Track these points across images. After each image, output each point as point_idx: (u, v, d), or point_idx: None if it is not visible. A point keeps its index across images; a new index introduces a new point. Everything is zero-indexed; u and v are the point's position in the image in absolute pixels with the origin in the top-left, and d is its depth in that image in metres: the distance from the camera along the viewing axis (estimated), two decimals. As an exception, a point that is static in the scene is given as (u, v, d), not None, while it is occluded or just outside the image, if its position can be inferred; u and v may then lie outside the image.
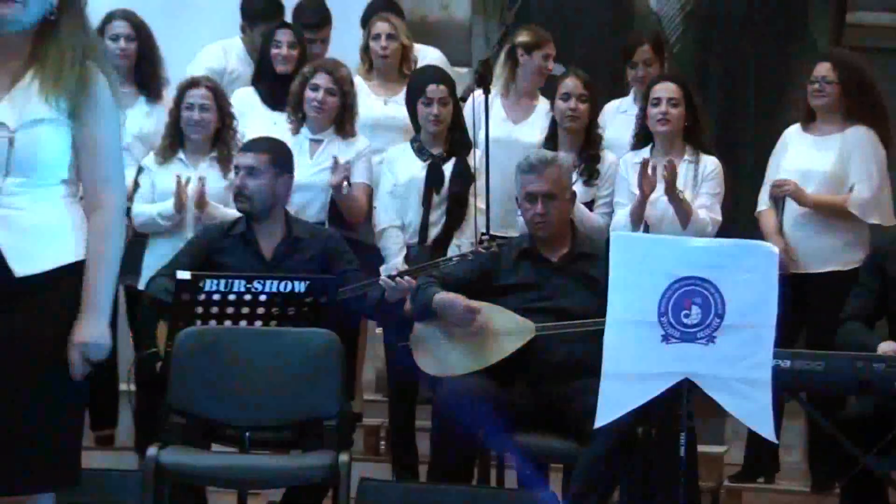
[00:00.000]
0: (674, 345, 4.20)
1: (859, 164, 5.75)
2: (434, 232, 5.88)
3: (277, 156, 5.47)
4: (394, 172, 5.93)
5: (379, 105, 6.29)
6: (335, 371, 4.90)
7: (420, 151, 5.93)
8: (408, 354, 5.29)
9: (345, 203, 5.90)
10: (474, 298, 5.18)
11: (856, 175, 5.74)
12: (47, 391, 3.30)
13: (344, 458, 4.63)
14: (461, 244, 5.76)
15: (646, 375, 4.23)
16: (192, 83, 5.93)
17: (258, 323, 5.06)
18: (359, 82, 6.25)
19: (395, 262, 5.77)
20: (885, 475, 4.91)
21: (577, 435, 4.80)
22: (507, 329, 5.08)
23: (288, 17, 6.70)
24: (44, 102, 3.31)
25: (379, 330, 6.27)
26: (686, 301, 4.19)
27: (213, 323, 5.02)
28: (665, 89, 5.77)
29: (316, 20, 6.64)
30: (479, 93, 5.77)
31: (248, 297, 5.06)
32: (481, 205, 5.74)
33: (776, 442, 4.40)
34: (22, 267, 3.28)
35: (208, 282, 5.02)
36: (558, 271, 5.21)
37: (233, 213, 5.61)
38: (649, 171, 5.57)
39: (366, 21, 6.63)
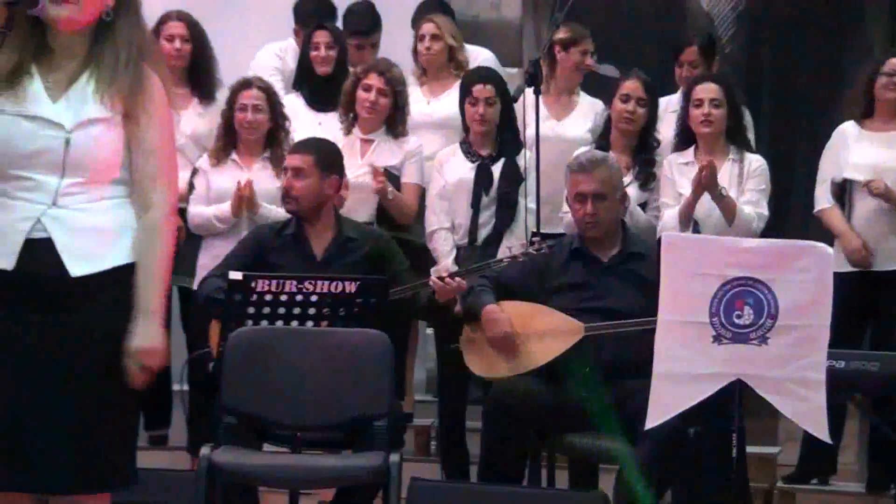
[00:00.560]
0: (725, 345, 4.18)
1: None
2: (484, 233, 5.89)
3: (324, 156, 5.47)
4: (443, 174, 5.94)
5: (422, 105, 6.30)
6: (386, 371, 4.90)
7: (469, 152, 5.93)
8: (458, 355, 5.30)
9: (392, 206, 5.91)
10: (524, 299, 5.19)
11: None
12: (103, 391, 3.31)
13: (394, 458, 4.63)
14: (511, 245, 5.76)
15: (697, 376, 4.21)
16: (245, 84, 5.96)
17: (309, 323, 5.07)
18: (412, 83, 6.26)
19: (445, 263, 5.78)
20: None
21: (629, 436, 4.79)
22: (556, 330, 5.08)
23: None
24: (99, 103, 3.32)
25: (429, 330, 6.28)
26: (738, 302, 4.17)
27: (264, 323, 5.03)
28: (707, 90, 5.74)
29: (365, 26, 6.66)
30: (529, 92, 5.77)
31: (299, 297, 5.06)
32: (531, 204, 5.74)
33: (831, 443, 4.37)
34: (77, 267, 3.29)
35: (260, 282, 5.02)
36: (609, 271, 5.19)
37: (285, 213, 5.63)
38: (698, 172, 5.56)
39: (416, 23, 6.64)
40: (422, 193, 6.03)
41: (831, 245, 5.22)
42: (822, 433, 4.16)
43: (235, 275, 5.07)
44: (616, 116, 5.91)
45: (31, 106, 3.32)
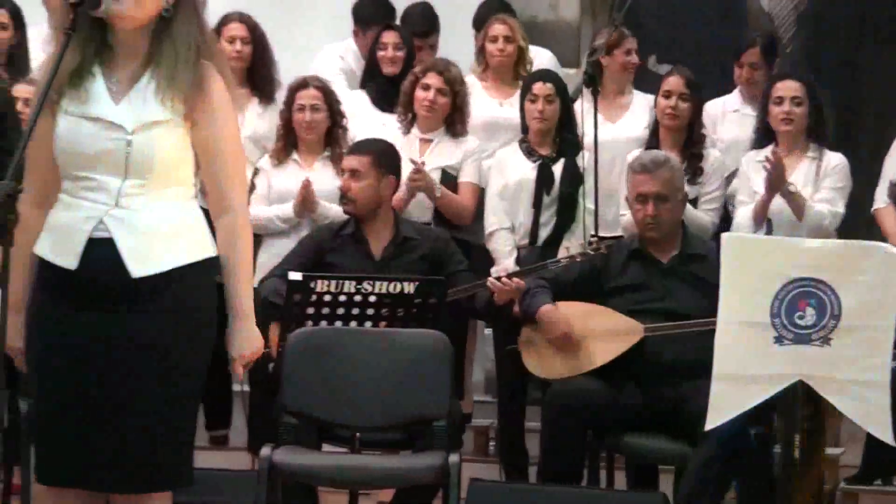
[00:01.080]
0: (787, 346, 4.16)
1: None
2: (544, 233, 5.88)
3: (381, 157, 5.48)
4: (503, 174, 5.93)
5: (494, 106, 6.28)
6: (445, 372, 4.90)
7: (529, 152, 5.93)
8: (516, 356, 5.29)
9: (442, 205, 5.90)
10: (583, 300, 5.18)
11: None
12: (165, 392, 3.33)
13: (454, 458, 4.63)
14: (570, 245, 5.74)
15: (758, 377, 4.20)
16: (302, 84, 5.97)
17: (368, 323, 5.08)
18: (473, 83, 6.25)
19: (505, 263, 5.77)
20: None
21: (688, 436, 4.77)
22: (615, 331, 5.06)
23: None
24: (159, 104, 3.32)
25: (488, 331, 6.28)
26: (800, 302, 4.15)
27: (323, 324, 5.05)
28: (787, 88, 5.71)
29: (424, 27, 6.67)
30: (587, 93, 5.75)
31: (357, 297, 5.07)
32: (590, 205, 5.73)
33: (894, 444, 4.33)
34: (139, 268, 3.30)
35: (319, 283, 5.04)
36: (668, 272, 5.17)
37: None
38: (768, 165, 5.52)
39: (479, 22, 6.63)
40: (479, 193, 6.02)
41: (896, 246, 5.17)
42: (886, 435, 4.13)
43: (295, 275, 5.09)
44: (660, 113, 5.90)
45: (93, 107, 3.33)
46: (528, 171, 5.89)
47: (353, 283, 5.07)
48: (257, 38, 6.26)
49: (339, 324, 5.07)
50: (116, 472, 3.32)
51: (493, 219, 5.92)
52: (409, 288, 5.07)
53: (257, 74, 6.27)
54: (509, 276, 5.28)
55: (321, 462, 4.79)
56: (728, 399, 4.21)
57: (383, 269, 5.32)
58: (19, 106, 5.31)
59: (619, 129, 6.14)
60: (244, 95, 6.14)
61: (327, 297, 5.05)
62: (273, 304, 5.24)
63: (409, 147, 5.92)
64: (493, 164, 6.00)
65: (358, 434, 4.90)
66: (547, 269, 5.33)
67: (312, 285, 5.03)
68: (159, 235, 3.33)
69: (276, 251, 5.72)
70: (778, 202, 5.58)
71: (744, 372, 4.19)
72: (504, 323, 5.55)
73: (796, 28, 7.51)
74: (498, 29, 6.35)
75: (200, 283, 3.37)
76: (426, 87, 5.96)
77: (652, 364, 5.02)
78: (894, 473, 5.85)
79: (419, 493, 4.91)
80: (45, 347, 3.36)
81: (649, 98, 6.16)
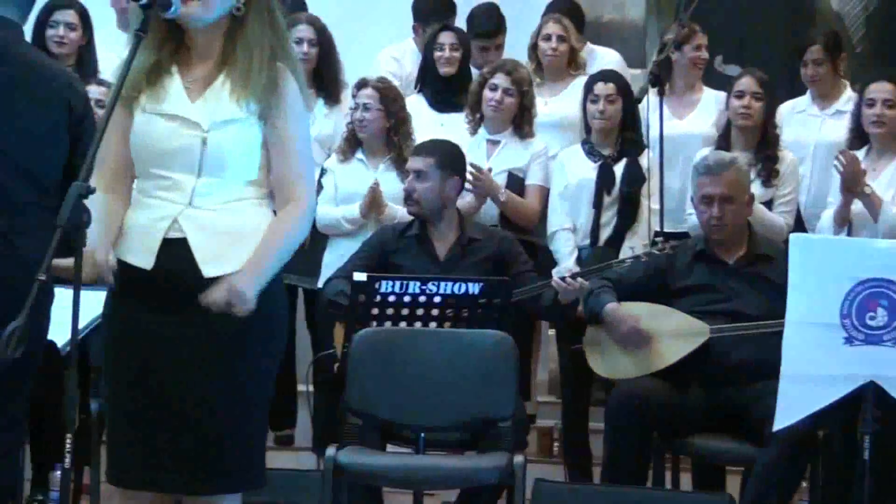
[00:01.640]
0: (858, 347, 4.12)
1: None
2: (605, 233, 5.86)
3: (445, 158, 5.48)
4: (565, 174, 5.92)
5: (539, 104, 6.27)
6: (510, 373, 4.90)
7: (591, 153, 5.91)
8: (580, 356, 5.28)
9: (506, 208, 5.90)
10: (647, 300, 5.15)
11: None
12: (237, 392, 3.34)
13: (518, 459, 4.63)
14: (634, 246, 5.72)
15: (827, 378, 4.16)
16: (362, 84, 5.99)
17: (433, 324, 5.09)
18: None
19: (566, 264, 5.76)
20: None
21: (755, 438, 4.74)
22: (680, 332, 5.04)
23: (461, 23, 6.73)
24: (234, 103, 3.34)
25: (551, 331, 6.27)
26: (871, 303, 4.11)
27: (388, 324, 5.06)
28: (880, 90, 5.66)
29: (489, 27, 6.66)
30: (652, 93, 5.73)
31: (422, 298, 5.08)
32: (654, 205, 5.70)
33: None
34: (211, 267, 3.31)
35: (384, 283, 5.05)
36: (734, 273, 5.14)
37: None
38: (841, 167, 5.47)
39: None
40: (545, 195, 6.00)
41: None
42: (957, 437, 4.09)
43: (360, 276, 5.11)
44: (732, 114, 5.87)
45: (170, 105, 3.36)
46: (589, 171, 5.88)
47: (418, 283, 5.08)
48: (324, 40, 6.28)
49: (403, 324, 5.08)
50: (188, 474, 3.33)
51: (555, 219, 5.92)
52: (474, 289, 5.07)
53: (323, 76, 6.28)
54: (574, 275, 5.27)
55: (386, 462, 4.80)
56: (797, 400, 4.18)
57: (448, 270, 5.32)
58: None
59: (686, 125, 6.11)
60: (310, 97, 6.17)
61: (392, 298, 5.06)
62: (338, 305, 5.26)
63: (476, 148, 5.92)
64: (555, 164, 6.00)
65: (422, 434, 4.91)
66: (611, 269, 5.32)
67: (377, 286, 5.05)
68: (232, 235, 3.34)
69: (341, 252, 5.74)
70: (858, 203, 5.54)
71: (813, 372, 4.16)
72: (568, 323, 5.54)
73: (865, 29, 7.44)
74: (552, 28, 6.34)
75: (271, 285, 3.36)
76: (494, 88, 5.95)
77: (717, 366, 4.99)
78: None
79: (484, 493, 4.90)
80: (117, 348, 3.39)
81: (719, 95, 6.13)
